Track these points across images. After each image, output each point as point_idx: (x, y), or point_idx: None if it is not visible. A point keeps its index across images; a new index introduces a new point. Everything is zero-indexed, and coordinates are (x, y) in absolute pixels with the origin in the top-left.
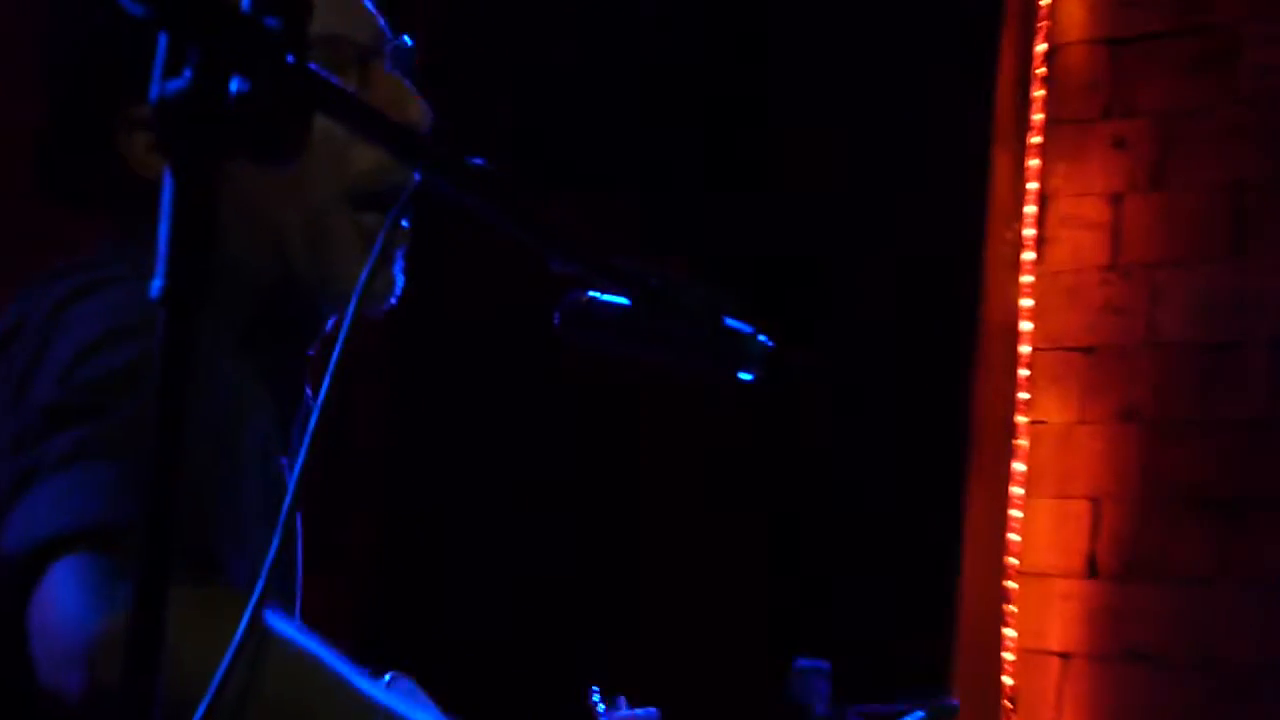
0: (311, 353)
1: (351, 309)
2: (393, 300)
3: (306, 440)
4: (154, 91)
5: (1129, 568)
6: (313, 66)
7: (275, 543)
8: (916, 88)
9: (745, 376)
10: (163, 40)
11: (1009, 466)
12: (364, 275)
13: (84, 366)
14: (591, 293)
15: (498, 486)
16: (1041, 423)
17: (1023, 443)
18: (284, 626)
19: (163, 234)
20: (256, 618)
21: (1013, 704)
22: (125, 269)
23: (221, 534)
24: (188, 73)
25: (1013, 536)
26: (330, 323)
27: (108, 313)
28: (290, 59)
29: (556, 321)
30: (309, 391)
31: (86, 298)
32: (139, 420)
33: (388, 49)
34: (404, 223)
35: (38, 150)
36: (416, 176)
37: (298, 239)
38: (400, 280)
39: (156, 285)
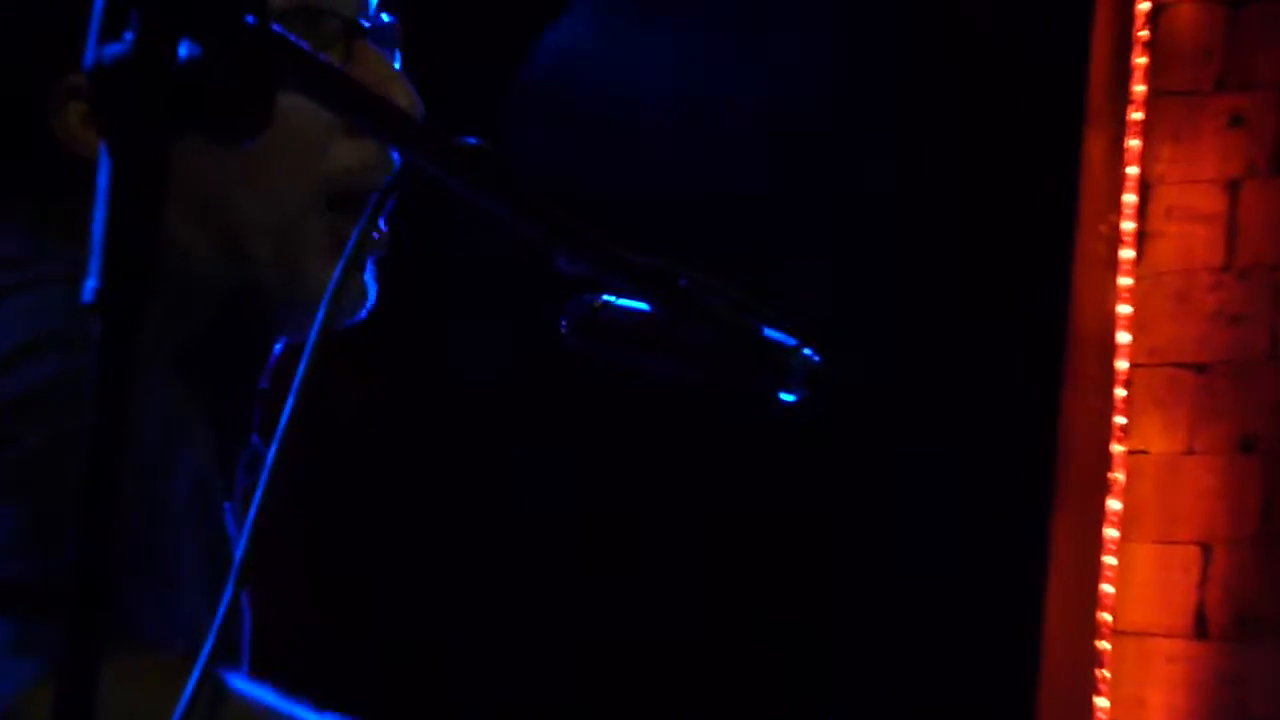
0: (265, 384)
1: (319, 323)
2: (363, 313)
3: (260, 489)
4: (89, 57)
5: (1245, 626)
6: (278, 29)
7: (226, 600)
8: (994, 54)
9: (787, 397)
10: None
11: (1103, 505)
12: (332, 284)
13: None
14: (605, 296)
15: (491, 512)
16: (1142, 453)
17: (1119, 476)
18: (238, 683)
19: (97, 226)
20: (203, 685)
21: None
22: (45, 268)
23: (147, 591)
24: (129, 35)
25: (1106, 588)
26: (279, 348)
27: (20, 321)
28: (250, 19)
29: (563, 329)
30: (256, 438)
31: None
32: (51, 451)
33: (370, 25)
34: (382, 225)
35: None
36: (399, 163)
37: (262, 240)
38: (373, 290)
39: (89, 288)
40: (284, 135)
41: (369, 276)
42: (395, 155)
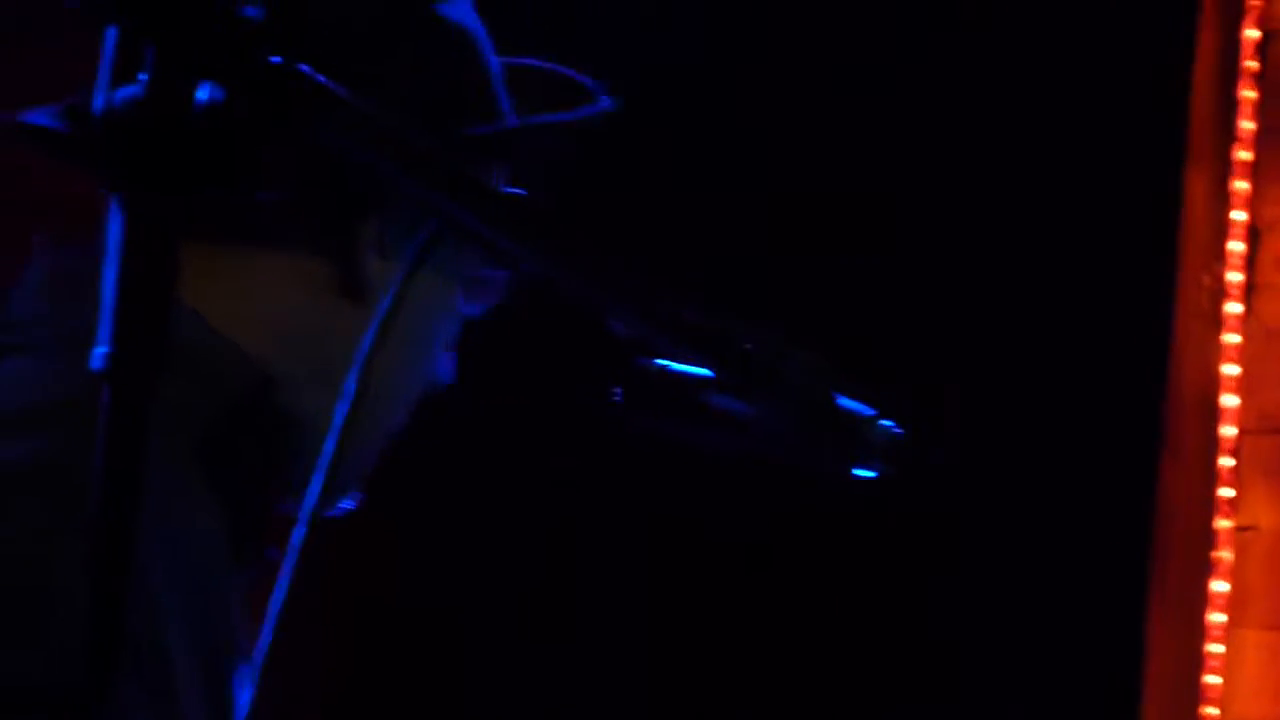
0: (286, 507)
1: (330, 449)
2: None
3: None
4: (98, 101)
5: None
6: (305, 69)
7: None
8: (1086, 88)
9: (864, 473)
10: (110, 35)
11: (1206, 587)
12: (337, 426)
13: None
14: (663, 361)
15: (538, 611)
16: (1251, 529)
17: (1225, 555)
18: None
19: (108, 286)
20: None
21: None
22: (42, 331)
23: (136, 694)
24: (143, 77)
25: (1211, 679)
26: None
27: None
28: (275, 60)
29: (617, 398)
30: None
31: None
32: (28, 545)
33: None
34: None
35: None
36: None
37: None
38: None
39: (98, 354)
40: None
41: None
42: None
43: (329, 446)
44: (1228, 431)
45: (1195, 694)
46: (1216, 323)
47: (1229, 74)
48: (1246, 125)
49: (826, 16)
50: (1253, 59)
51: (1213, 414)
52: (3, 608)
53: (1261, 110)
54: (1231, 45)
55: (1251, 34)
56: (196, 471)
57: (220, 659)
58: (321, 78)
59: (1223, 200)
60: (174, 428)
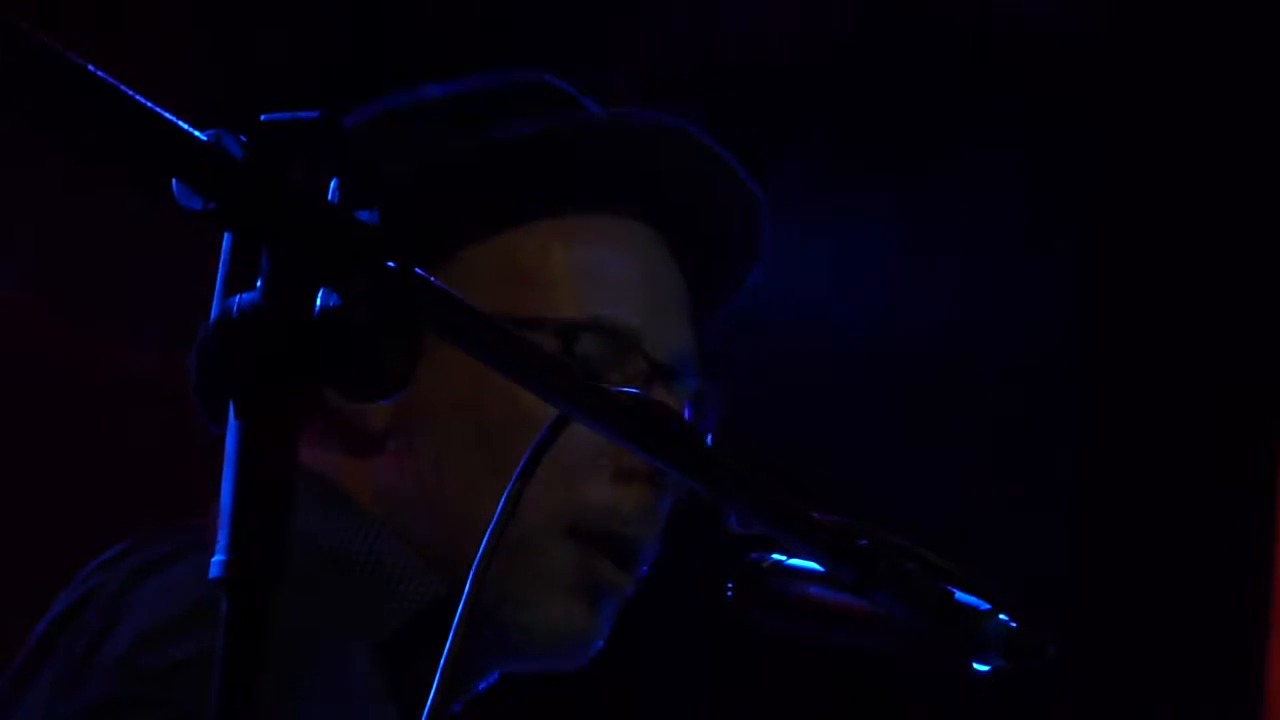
0: (459, 708)
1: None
2: (586, 656)
3: None
4: (215, 307)
5: None
6: (420, 272)
7: None
8: (1182, 340)
9: (980, 667)
10: (228, 242)
11: None
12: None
13: (145, 654)
14: (775, 555)
15: None
16: None
17: None
18: None
19: (225, 494)
20: None
21: None
22: (196, 533)
23: None
24: (260, 284)
25: None
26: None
27: (182, 591)
28: (391, 265)
29: (729, 593)
30: None
31: (159, 572)
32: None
33: (688, 382)
34: (643, 568)
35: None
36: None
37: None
38: (605, 630)
39: (217, 562)
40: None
41: (607, 610)
42: (663, 506)
43: (450, 638)
44: None
45: None
46: None
47: None
48: None
49: None
50: None
51: None
52: None
53: None
54: None
55: None
56: (380, 681)
57: None
58: (435, 280)
59: None
60: (357, 636)
